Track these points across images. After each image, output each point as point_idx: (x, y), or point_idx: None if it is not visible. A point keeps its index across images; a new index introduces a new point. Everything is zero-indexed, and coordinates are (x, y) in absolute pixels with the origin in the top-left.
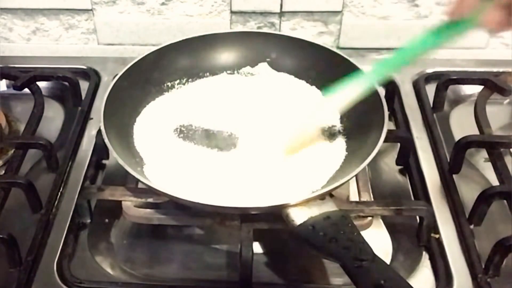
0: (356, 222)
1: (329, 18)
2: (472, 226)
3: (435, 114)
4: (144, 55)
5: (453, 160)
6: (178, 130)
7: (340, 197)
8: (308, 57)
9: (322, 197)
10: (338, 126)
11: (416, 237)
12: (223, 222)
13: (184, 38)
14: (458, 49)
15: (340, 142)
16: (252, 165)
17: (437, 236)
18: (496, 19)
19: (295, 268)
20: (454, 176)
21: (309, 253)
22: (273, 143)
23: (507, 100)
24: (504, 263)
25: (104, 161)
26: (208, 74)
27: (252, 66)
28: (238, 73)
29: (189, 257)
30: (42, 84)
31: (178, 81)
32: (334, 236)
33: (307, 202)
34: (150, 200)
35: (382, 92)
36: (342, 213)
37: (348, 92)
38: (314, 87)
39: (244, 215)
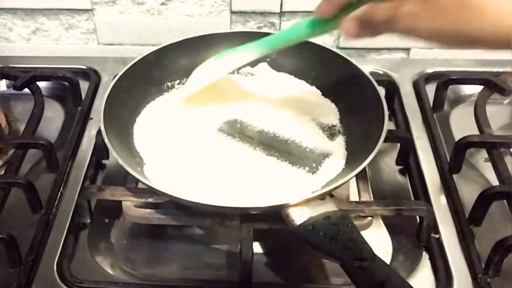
0: (356, 222)
1: None
2: (472, 226)
3: (435, 114)
4: (144, 55)
5: (453, 160)
6: (178, 130)
7: (340, 197)
8: (308, 57)
9: (322, 197)
10: (338, 126)
11: (416, 237)
12: (223, 222)
13: (184, 38)
14: (458, 49)
15: (340, 142)
16: (252, 165)
17: (437, 236)
18: (350, 28)
19: (295, 268)
20: (454, 176)
21: (309, 253)
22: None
23: (507, 100)
24: (504, 263)
25: (104, 161)
26: None
27: (252, 66)
28: (238, 73)
29: (189, 257)
30: (42, 84)
31: (178, 81)
32: (334, 236)
33: (307, 202)
34: (150, 200)
35: (382, 92)
36: (342, 213)
37: (235, 58)
38: (314, 87)
39: (244, 215)
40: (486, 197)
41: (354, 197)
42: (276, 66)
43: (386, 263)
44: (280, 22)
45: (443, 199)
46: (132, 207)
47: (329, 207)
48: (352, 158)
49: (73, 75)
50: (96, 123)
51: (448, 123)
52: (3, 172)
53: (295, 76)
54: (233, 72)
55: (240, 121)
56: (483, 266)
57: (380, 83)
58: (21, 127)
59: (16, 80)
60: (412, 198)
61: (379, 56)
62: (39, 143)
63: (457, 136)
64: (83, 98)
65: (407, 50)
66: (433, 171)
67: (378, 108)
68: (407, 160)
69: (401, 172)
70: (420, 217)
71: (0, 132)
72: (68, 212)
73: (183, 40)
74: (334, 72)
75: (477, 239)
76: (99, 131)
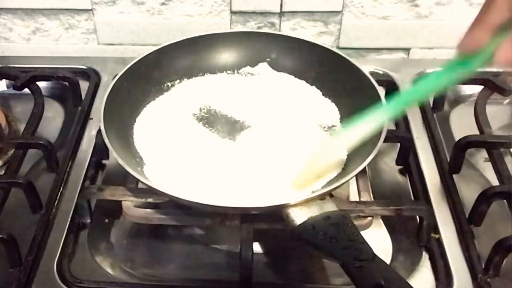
0: (356, 222)
1: (329, 18)
2: (472, 226)
3: (435, 114)
4: (144, 55)
5: (453, 160)
6: (178, 130)
7: (340, 197)
8: (308, 57)
9: (322, 197)
10: (338, 126)
11: (416, 237)
12: (223, 222)
13: (184, 38)
14: None
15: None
16: (252, 165)
17: (437, 236)
18: (510, 55)
19: (295, 268)
20: (454, 176)
21: (309, 253)
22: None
23: (507, 100)
24: (504, 263)
25: (104, 161)
26: (208, 74)
27: (252, 66)
28: (238, 73)
29: (189, 257)
30: (42, 84)
31: (178, 81)
32: (334, 236)
33: (307, 202)
34: (150, 200)
35: (382, 92)
36: (342, 213)
37: (359, 131)
38: (314, 87)
39: (244, 215)
40: (486, 197)
41: (354, 197)
42: (276, 66)
43: (386, 263)
44: (280, 22)
45: (443, 199)
46: (132, 207)
47: (329, 207)
48: (352, 158)
49: (73, 75)
50: (96, 123)
51: (448, 123)
52: (3, 172)
53: (295, 76)
54: (233, 72)
55: (239, 121)
56: (483, 266)
57: (380, 83)
58: (21, 127)
59: (16, 80)
60: (412, 198)
61: (379, 56)
62: (39, 143)
63: (457, 136)
64: (83, 98)
65: (407, 50)
66: (433, 171)
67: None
68: (407, 160)
69: (401, 172)
70: (420, 217)
71: (0, 132)
72: (68, 212)
73: (183, 40)
74: (334, 72)
75: (477, 239)
76: (99, 131)
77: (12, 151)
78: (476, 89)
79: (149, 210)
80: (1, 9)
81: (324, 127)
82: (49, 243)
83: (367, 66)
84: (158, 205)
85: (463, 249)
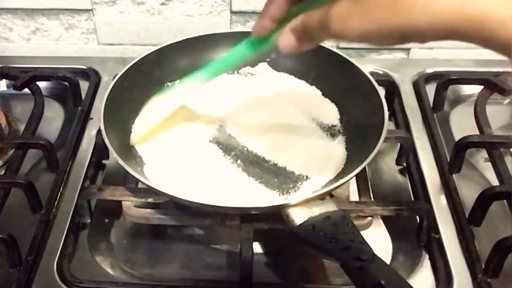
0: (356, 222)
1: None
2: (472, 226)
3: (435, 114)
4: (144, 55)
5: (453, 160)
6: (178, 130)
7: (340, 197)
8: (308, 57)
9: (322, 197)
10: (338, 126)
11: (416, 237)
12: (223, 222)
13: (184, 38)
14: (458, 49)
15: (340, 142)
16: (252, 165)
17: (437, 236)
18: (288, 41)
19: (295, 268)
20: (454, 176)
21: (309, 253)
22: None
23: (507, 100)
24: (504, 263)
25: (104, 161)
26: None
27: (252, 66)
28: (238, 73)
29: (189, 257)
30: (42, 84)
31: (178, 81)
32: (334, 236)
33: (307, 202)
34: (150, 200)
35: (382, 92)
36: (342, 213)
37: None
38: (314, 87)
39: (244, 215)
40: (486, 197)
41: (354, 197)
42: (276, 66)
43: (386, 263)
44: None
45: (443, 199)
46: (132, 207)
47: (329, 207)
48: (352, 158)
49: (73, 75)
50: (96, 123)
51: (448, 123)
52: (3, 172)
53: (295, 76)
54: (233, 72)
55: (240, 121)
56: (483, 266)
57: (380, 83)
58: (21, 127)
59: (16, 80)
60: (412, 198)
61: (379, 56)
62: (39, 143)
63: (457, 136)
64: (83, 98)
65: (407, 50)
66: (433, 171)
67: (378, 108)
68: (407, 160)
69: (401, 172)
70: (420, 217)
71: (0, 132)
72: (68, 212)
73: (183, 40)
74: (334, 72)
75: (477, 239)
76: (99, 131)
77: (12, 151)
78: (476, 89)
79: (149, 210)
80: (1, 9)
81: (324, 127)
82: (49, 243)
83: (367, 66)
84: (158, 205)
85: (463, 249)
